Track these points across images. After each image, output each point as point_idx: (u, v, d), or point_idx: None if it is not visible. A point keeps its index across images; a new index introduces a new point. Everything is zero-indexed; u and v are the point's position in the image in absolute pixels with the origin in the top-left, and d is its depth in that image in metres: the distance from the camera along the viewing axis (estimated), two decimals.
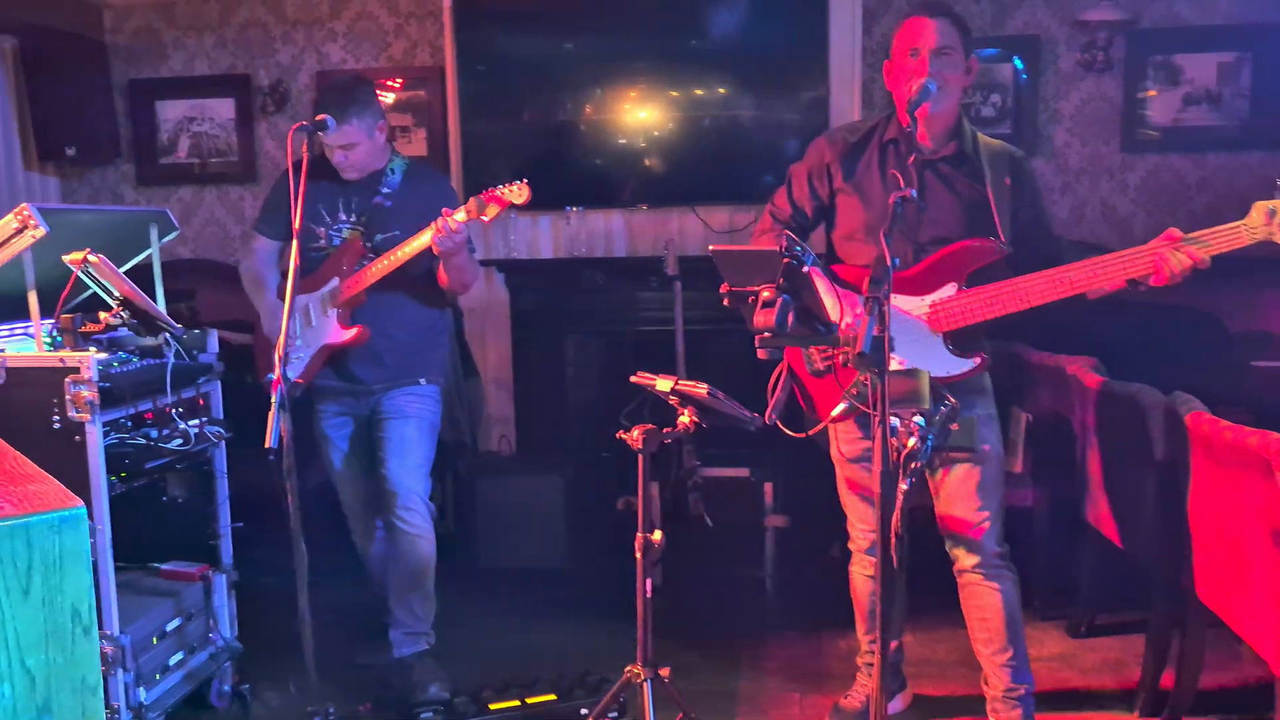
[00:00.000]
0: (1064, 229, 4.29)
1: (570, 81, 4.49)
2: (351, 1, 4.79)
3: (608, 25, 4.47)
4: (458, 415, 4.06)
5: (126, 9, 4.92)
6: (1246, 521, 2.24)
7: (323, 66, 4.82)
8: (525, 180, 2.72)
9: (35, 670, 1.15)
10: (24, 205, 2.37)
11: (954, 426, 1.91)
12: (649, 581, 2.38)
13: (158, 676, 2.65)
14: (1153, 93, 4.38)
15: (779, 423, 2.52)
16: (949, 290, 2.39)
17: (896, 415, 1.83)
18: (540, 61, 4.52)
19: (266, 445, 2.38)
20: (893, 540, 1.81)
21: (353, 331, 2.91)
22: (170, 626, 2.73)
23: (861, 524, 2.68)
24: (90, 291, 2.67)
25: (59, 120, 4.76)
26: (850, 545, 2.75)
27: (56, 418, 2.37)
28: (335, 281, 2.92)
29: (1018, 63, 4.41)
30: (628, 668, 2.41)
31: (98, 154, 4.92)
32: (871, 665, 2.58)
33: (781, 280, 1.91)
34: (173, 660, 2.73)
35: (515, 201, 2.72)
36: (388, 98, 4.70)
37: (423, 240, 2.76)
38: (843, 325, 2.12)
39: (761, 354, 2.00)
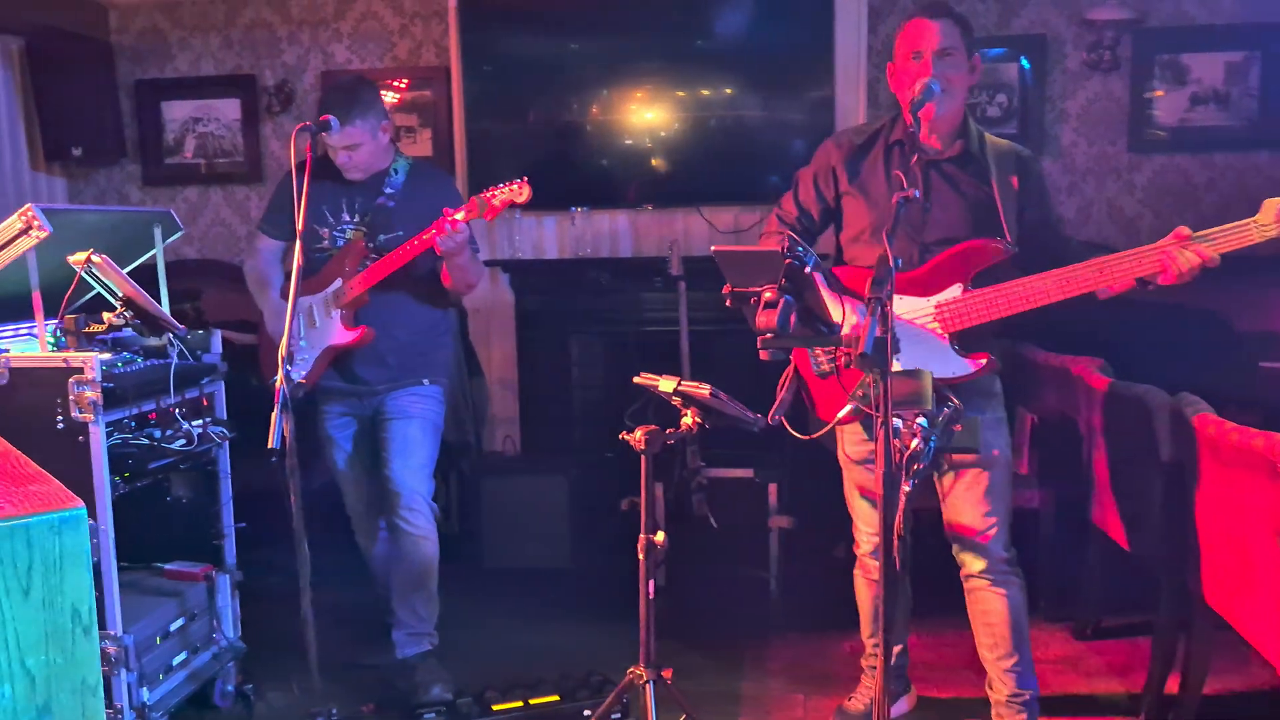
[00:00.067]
0: (1070, 229, 4.27)
1: (575, 82, 4.49)
2: (357, 2, 4.80)
3: (613, 25, 4.47)
4: (462, 415, 4.07)
5: (132, 9, 4.93)
6: (1253, 524, 2.22)
7: (328, 67, 4.83)
8: (526, 179, 2.72)
9: (35, 671, 1.15)
10: (28, 206, 2.37)
11: (957, 428, 1.89)
12: (651, 583, 2.38)
13: (161, 676, 2.65)
14: (1160, 92, 4.36)
15: (785, 423, 2.51)
16: (955, 291, 2.37)
17: (899, 416, 1.82)
18: (545, 61, 4.52)
19: (269, 446, 2.38)
20: (895, 542, 1.80)
21: (356, 332, 2.91)
22: (174, 626, 2.73)
23: (866, 527, 2.67)
24: (94, 292, 2.68)
25: (65, 120, 4.77)
26: (855, 549, 2.74)
27: (60, 418, 2.38)
28: (339, 282, 2.92)
29: (1024, 63, 4.39)
30: (630, 669, 2.40)
31: (104, 154, 4.93)
32: (876, 667, 2.57)
33: (783, 281, 1.90)
34: (176, 660, 2.73)
35: (516, 201, 2.71)
36: (392, 98, 4.70)
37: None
38: (846, 328, 2.11)
39: (764, 355, 1.99)
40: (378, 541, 3.21)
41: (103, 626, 2.43)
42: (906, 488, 1.81)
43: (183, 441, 2.66)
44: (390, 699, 2.94)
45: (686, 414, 2.36)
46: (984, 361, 2.37)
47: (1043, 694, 2.65)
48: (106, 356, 2.55)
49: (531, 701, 2.82)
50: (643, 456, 2.34)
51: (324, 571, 2.82)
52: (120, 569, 2.51)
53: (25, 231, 2.36)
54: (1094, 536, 3.20)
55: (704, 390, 2.29)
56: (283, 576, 2.78)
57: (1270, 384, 3.65)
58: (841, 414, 2.36)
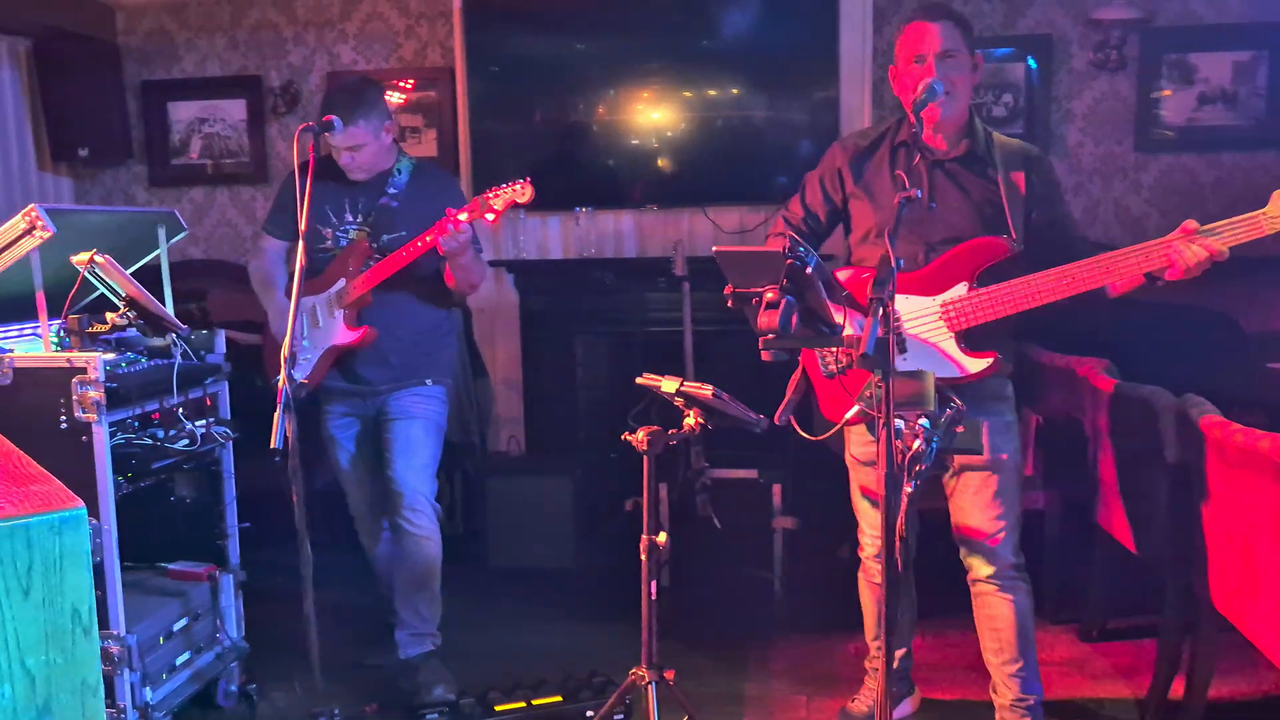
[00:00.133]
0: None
1: (580, 82, 4.49)
2: (362, 3, 4.80)
3: (616, 26, 4.47)
4: (467, 416, 4.07)
5: (139, 10, 4.94)
6: (1258, 526, 2.21)
7: (333, 67, 4.84)
8: (529, 179, 2.72)
9: (35, 671, 1.15)
10: (32, 206, 2.37)
11: (959, 429, 1.89)
12: (654, 583, 2.37)
13: (164, 676, 2.66)
14: (1167, 92, 4.34)
15: (793, 422, 2.51)
16: (960, 290, 2.36)
17: (901, 418, 1.82)
18: (550, 62, 4.52)
19: (272, 446, 2.38)
20: (897, 543, 1.80)
21: (359, 332, 2.91)
22: (177, 626, 2.74)
23: (871, 529, 2.66)
24: (98, 293, 2.68)
25: (72, 121, 4.79)
26: (859, 552, 2.74)
27: (63, 418, 2.38)
28: (342, 282, 2.92)
29: (1031, 63, 4.38)
30: (632, 670, 2.40)
31: (110, 155, 4.95)
32: (879, 669, 2.56)
33: (785, 281, 1.89)
34: (179, 660, 2.73)
35: (518, 200, 2.71)
36: (398, 99, 4.71)
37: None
38: (848, 329, 2.10)
39: (765, 355, 1.99)
40: (381, 542, 3.21)
41: (106, 626, 2.44)
42: (908, 489, 1.81)
43: (186, 441, 2.67)
44: (393, 699, 2.94)
45: (689, 415, 2.36)
46: (992, 359, 2.35)
47: (1047, 697, 2.64)
48: (110, 356, 2.55)
49: (534, 702, 2.82)
50: (645, 457, 2.34)
51: (327, 572, 2.82)
52: (124, 569, 2.51)
53: (29, 232, 2.37)
54: (1099, 538, 3.18)
55: (706, 391, 2.29)
56: (286, 576, 2.78)
57: (1277, 385, 3.63)
58: (849, 415, 2.36)
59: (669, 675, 2.39)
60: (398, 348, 2.97)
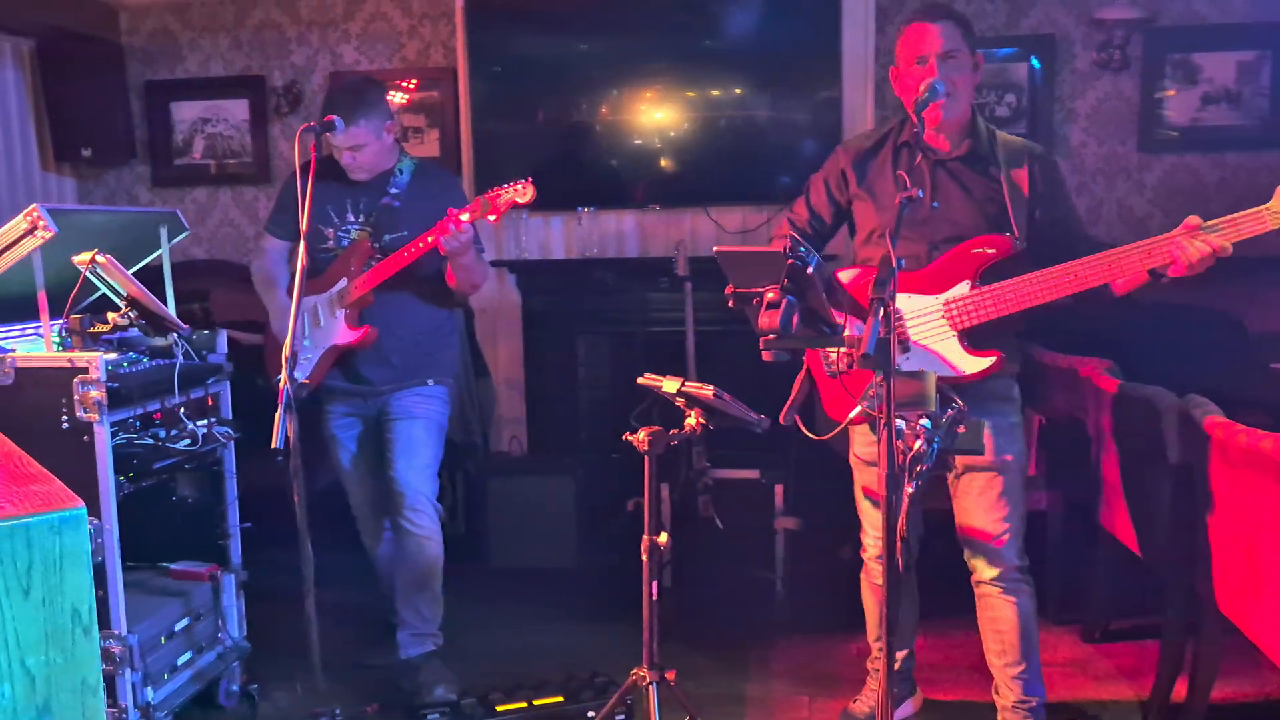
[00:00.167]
0: None
1: (582, 82, 4.49)
2: (365, 3, 4.81)
3: (619, 26, 4.47)
4: (469, 416, 4.07)
5: (142, 11, 4.95)
6: (1262, 527, 2.20)
7: (336, 67, 4.84)
8: (530, 179, 2.72)
9: (35, 670, 1.15)
10: (34, 206, 2.38)
11: (961, 429, 1.88)
12: (655, 584, 2.37)
13: (166, 676, 2.66)
14: (1171, 92, 4.33)
15: (799, 422, 2.51)
16: (963, 288, 2.36)
17: (902, 418, 1.81)
18: (552, 62, 4.52)
19: (273, 446, 2.38)
20: (898, 544, 1.79)
21: (360, 332, 2.91)
22: (179, 626, 2.74)
23: (874, 530, 2.66)
24: (100, 293, 2.69)
25: (75, 121, 4.80)
26: (862, 553, 2.73)
27: (65, 418, 2.38)
28: (343, 282, 2.92)
29: (1035, 63, 4.37)
30: (634, 670, 2.40)
31: (113, 155, 4.96)
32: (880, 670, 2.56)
33: (786, 282, 1.89)
34: (181, 660, 2.74)
35: (520, 201, 2.71)
36: (401, 99, 4.71)
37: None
38: (848, 329, 2.10)
39: (766, 356, 1.98)
40: (382, 542, 3.21)
41: (107, 626, 2.44)
42: (909, 489, 1.80)
43: (187, 441, 2.67)
44: (394, 699, 2.94)
45: (690, 415, 2.36)
46: (993, 360, 2.34)
47: (1050, 698, 2.63)
48: (112, 356, 2.55)
49: (536, 703, 2.82)
50: (646, 457, 2.33)
51: (329, 572, 2.82)
52: (125, 568, 2.51)
53: (31, 232, 2.37)
54: (1102, 538, 3.18)
55: (707, 391, 2.29)
56: (288, 576, 2.77)
57: None
58: (852, 414, 2.36)
59: (670, 676, 2.39)
60: (399, 348, 2.97)
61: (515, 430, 4.70)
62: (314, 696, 2.62)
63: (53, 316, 2.55)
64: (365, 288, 2.88)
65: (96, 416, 2.37)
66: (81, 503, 1.20)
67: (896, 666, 2.77)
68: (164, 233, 2.93)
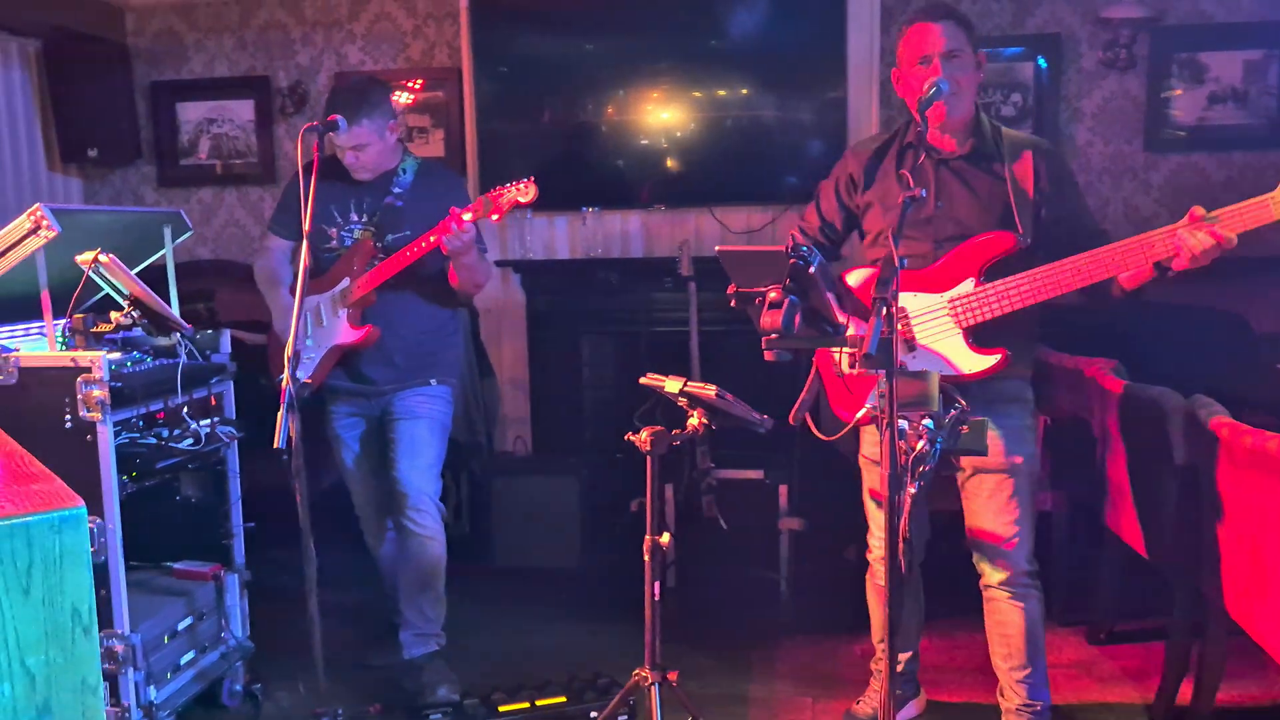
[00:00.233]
0: None
1: (586, 82, 4.49)
2: (370, 3, 4.81)
3: (623, 26, 4.46)
4: (473, 415, 4.07)
5: (148, 11, 4.96)
6: (1267, 528, 2.19)
7: (341, 68, 4.85)
8: (532, 178, 2.71)
9: (35, 670, 1.15)
10: (37, 206, 2.38)
11: (964, 429, 1.87)
12: (657, 584, 2.37)
13: (169, 675, 2.66)
14: (1177, 91, 4.31)
15: (809, 421, 2.50)
16: (967, 285, 2.35)
17: (905, 418, 1.81)
18: (558, 62, 4.52)
19: (275, 445, 2.37)
20: (900, 545, 1.79)
21: (362, 332, 2.91)
22: (182, 626, 2.74)
23: (880, 531, 2.65)
24: (104, 292, 2.69)
25: (81, 122, 4.81)
26: (868, 554, 2.72)
27: (68, 417, 2.39)
28: (346, 281, 2.92)
29: (1041, 62, 4.35)
30: (636, 671, 2.39)
31: (119, 155, 4.97)
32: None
33: (788, 281, 1.88)
34: (184, 659, 2.74)
35: (522, 200, 2.71)
36: (407, 99, 4.71)
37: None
38: (851, 329, 2.10)
39: (768, 355, 1.98)
40: (386, 541, 3.21)
41: (110, 625, 2.44)
42: (912, 490, 1.80)
43: (190, 441, 2.67)
44: (397, 700, 2.94)
45: (693, 415, 2.35)
46: (997, 358, 2.33)
47: (1055, 700, 2.62)
48: (115, 356, 2.56)
49: (538, 703, 2.81)
50: (648, 457, 2.33)
51: (333, 571, 2.82)
52: (129, 568, 2.52)
53: (34, 231, 2.38)
54: (1108, 539, 3.16)
55: (710, 391, 2.28)
56: (292, 576, 2.78)
57: None
58: (859, 415, 2.35)
59: (672, 677, 2.38)
60: (402, 347, 2.97)
61: (520, 430, 4.70)
62: (317, 696, 2.62)
63: (56, 316, 2.55)
64: (368, 287, 2.88)
65: (99, 416, 2.37)
66: (82, 502, 1.20)
67: (901, 668, 2.77)
68: (168, 233, 2.93)
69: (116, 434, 2.44)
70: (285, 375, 2.42)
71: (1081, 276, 2.24)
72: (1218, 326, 3.95)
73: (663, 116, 4.44)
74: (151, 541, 2.82)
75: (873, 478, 2.62)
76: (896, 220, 1.95)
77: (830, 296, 2.05)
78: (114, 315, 2.63)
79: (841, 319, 2.03)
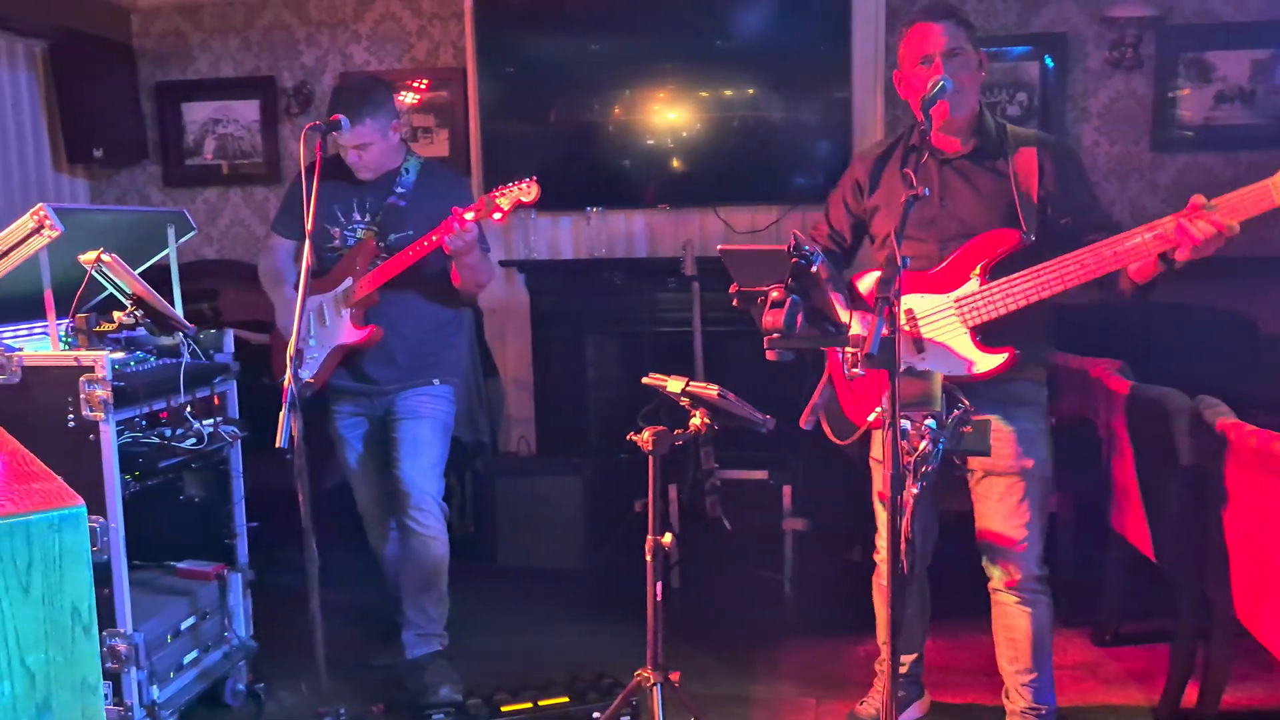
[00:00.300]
0: None
1: (591, 82, 4.48)
2: (375, 3, 4.82)
3: (630, 26, 4.46)
4: (478, 415, 4.07)
5: (153, 12, 4.97)
6: (1273, 529, 2.18)
7: (346, 68, 4.85)
8: (534, 178, 2.71)
9: (35, 669, 1.15)
10: (40, 205, 2.38)
11: (967, 430, 1.86)
12: (659, 584, 2.36)
13: (172, 674, 2.66)
14: (1184, 91, 4.29)
15: (823, 423, 2.48)
16: (973, 284, 2.34)
17: (907, 418, 1.80)
18: (562, 62, 4.52)
19: (277, 445, 2.38)
20: (902, 545, 1.78)
21: (365, 331, 2.91)
22: (185, 625, 2.74)
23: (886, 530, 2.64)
24: (108, 292, 2.69)
25: (87, 122, 4.82)
26: (875, 555, 2.71)
27: (71, 416, 2.39)
28: (349, 281, 2.92)
29: (1048, 61, 4.34)
30: (637, 671, 2.39)
31: (125, 155, 4.98)
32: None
33: (790, 280, 1.88)
34: (187, 659, 2.74)
35: (524, 200, 2.70)
36: (412, 99, 4.72)
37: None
38: (854, 329, 2.09)
39: (770, 355, 1.97)
40: (389, 541, 3.21)
41: (113, 624, 2.45)
42: (914, 490, 1.79)
43: (193, 440, 2.67)
44: (399, 699, 2.94)
45: (695, 415, 2.35)
46: (1005, 356, 2.31)
47: (1060, 701, 2.60)
48: (118, 355, 2.56)
49: (541, 703, 2.81)
50: (650, 457, 2.32)
51: (335, 571, 2.82)
52: (132, 567, 2.52)
53: (37, 231, 2.38)
54: (1113, 541, 3.15)
55: (711, 391, 2.27)
56: (295, 575, 2.77)
57: None
58: (871, 417, 2.34)
59: (674, 677, 2.38)
60: (404, 347, 2.97)
61: (524, 430, 4.69)
62: (319, 696, 2.62)
63: (59, 316, 2.55)
64: (370, 287, 2.88)
65: (102, 415, 2.38)
66: (82, 501, 1.19)
67: (905, 669, 2.76)
68: (171, 232, 2.93)
69: (119, 433, 2.44)
70: (287, 374, 2.41)
71: (1085, 271, 2.23)
72: (1225, 327, 3.93)
73: (669, 116, 4.44)
74: (155, 541, 2.83)
75: (881, 479, 2.60)
76: (898, 219, 1.94)
77: (834, 296, 2.04)
78: (117, 315, 2.64)
79: (844, 318, 2.02)
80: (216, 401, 2.84)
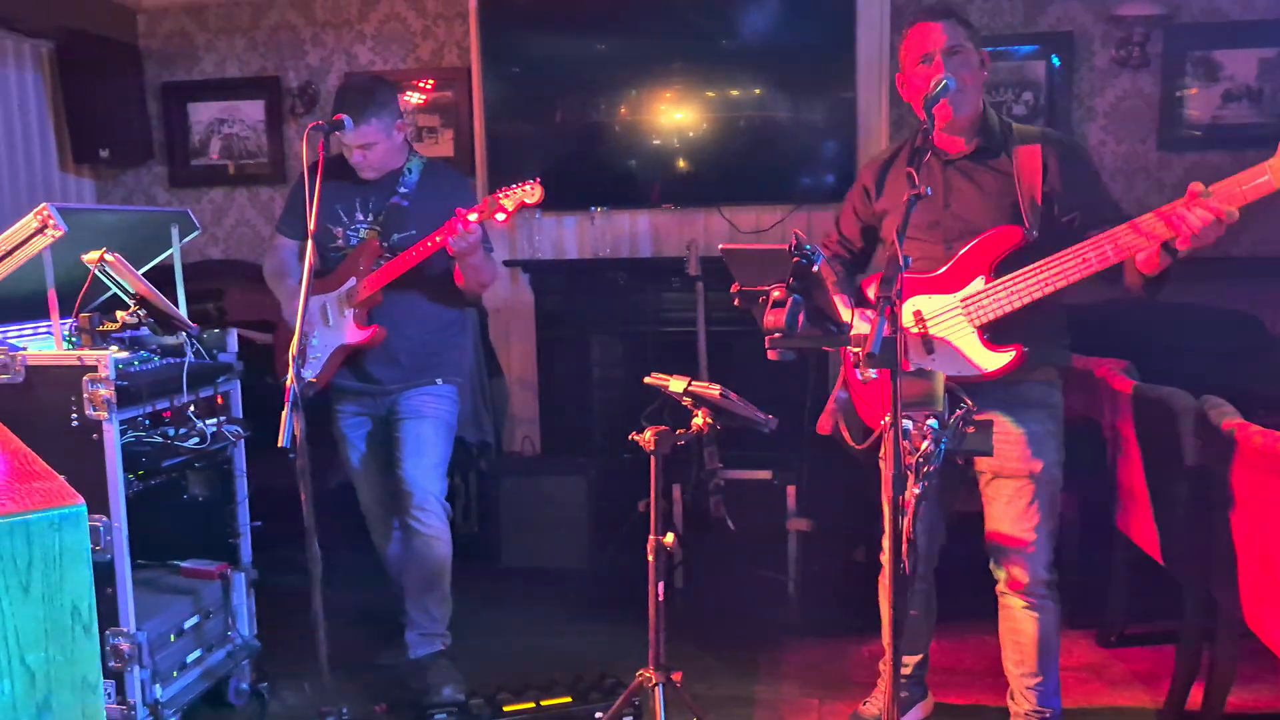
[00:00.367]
0: None
1: (596, 83, 4.48)
2: (380, 3, 4.82)
3: (634, 26, 4.45)
4: (482, 415, 4.07)
5: (159, 13, 4.99)
6: (1278, 530, 2.16)
7: (351, 68, 4.86)
8: (538, 179, 2.71)
9: (35, 668, 1.15)
10: (44, 205, 2.39)
11: (969, 430, 1.86)
12: (661, 585, 2.36)
13: (175, 674, 2.67)
14: (1191, 90, 4.27)
15: (842, 429, 2.47)
16: (978, 283, 2.33)
17: (909, 418, 1.79)
18: (566, 62, 4.52)
19: (279, 444, 2.38)
20: (904, 546, 1.77)
21: (368, 331, 2.91)
22: (188, 624, 2.75)
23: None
24: (111, 292, 2.70)
25: (93, 122, 4.83)
26: (881, 556, 2.70)
27: (74, 416, 2.39)
28: (352, 281, 2.92)
29: (1054, 60, 4.32)
30: (639, 671, 2.38)
31: (131, 156, 5.00)
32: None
33: (792, 280, 1.87)
34: (190, 658, 2.74)
35: (528, 201, 2.71)
36: (418, 99, 4.72)
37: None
38: (856, 328, 2.08)
39: (772, 355, 1.96)
40: (392, 541, 3.21)
41: (116, 623, 2.45)
42: (916, 490, 1.78)
43: (196, 440, 2.68)
44: (402, 699, 2.94)
45: (698, 414, 2.34)
46: (1012, 355, 2.30)
47: (1065, 703, 2.59)
48: (122, 355, 2.57)
49: (543, 703, 2.81)
50: (652, 457, 2.32)
51: (339, 571, 2.82)
52: (136, 566, 2.52)
53: (41, 230, 2.38)
54: (1118, 542, 3.13)
55: (714, 390, 2.27)
56: (299, 575, 2.77)
57: None
58: (886, 419, 2.33)
59: (676, 677, 2.37)
60: (407, 347, 2.97)
61: (528, 430, 4.69)
62: (322, 696, 2.62)
63: (63, 315, 2.56)
64: (374, 287, 2.88)
65: (106, 414, 2.38)
66: (82, 500, 1.19)
67: (909, 671, 2.75)
68: (175, 232, 2.94)
69: (123, 432, 2.45)
70: (290, 374, 2.41)
71: (1088, 265, 2.22)
72: (1231, 327, 3.91)
73: (674, 116, 4.43)
74: (158, 540, 2.83)
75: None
76: (900, 219, 1.93)
77: (837, 296, 2.04)
78: (120, 314, 2.64)
79: (846, 317, 2.01)
80: (220, 401, 2.85)
